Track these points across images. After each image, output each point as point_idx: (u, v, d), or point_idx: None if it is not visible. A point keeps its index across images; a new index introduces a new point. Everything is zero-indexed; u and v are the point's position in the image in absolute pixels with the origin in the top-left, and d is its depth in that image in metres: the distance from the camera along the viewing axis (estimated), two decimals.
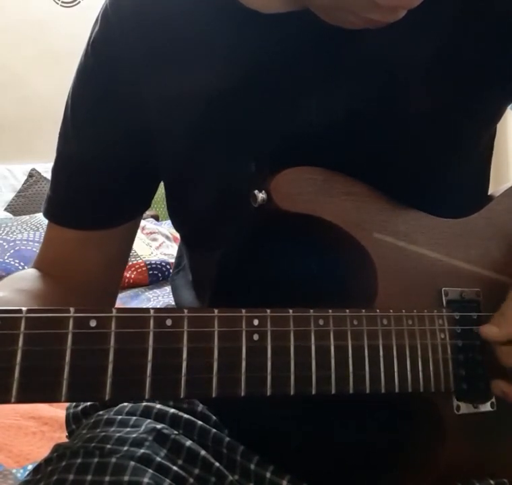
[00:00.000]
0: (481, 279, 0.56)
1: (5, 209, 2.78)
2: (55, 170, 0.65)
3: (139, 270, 2.15)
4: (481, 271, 0.56)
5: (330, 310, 0.45)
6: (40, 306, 0.55)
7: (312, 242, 0.52)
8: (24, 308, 0.35)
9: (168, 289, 2.07)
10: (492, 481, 0.55)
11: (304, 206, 0.50)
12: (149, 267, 2.17)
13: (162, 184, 0.66)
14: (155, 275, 2.18)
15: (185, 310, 0.40)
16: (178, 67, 0.56)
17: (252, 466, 0.58)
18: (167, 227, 2.56)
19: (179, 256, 0.75)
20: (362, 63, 0.53)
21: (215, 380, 0.40)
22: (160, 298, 2.01)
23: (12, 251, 2.12)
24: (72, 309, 0.37)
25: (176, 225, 0.67)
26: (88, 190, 0.63)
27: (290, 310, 0.44)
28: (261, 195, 0.49)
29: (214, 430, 0.60)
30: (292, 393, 0.43)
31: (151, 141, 0.60)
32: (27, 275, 0.63)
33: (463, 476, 0.53)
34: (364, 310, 0.47)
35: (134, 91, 0.58)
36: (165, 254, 2.30)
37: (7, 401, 0.34)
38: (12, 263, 2.05)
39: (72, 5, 3.10)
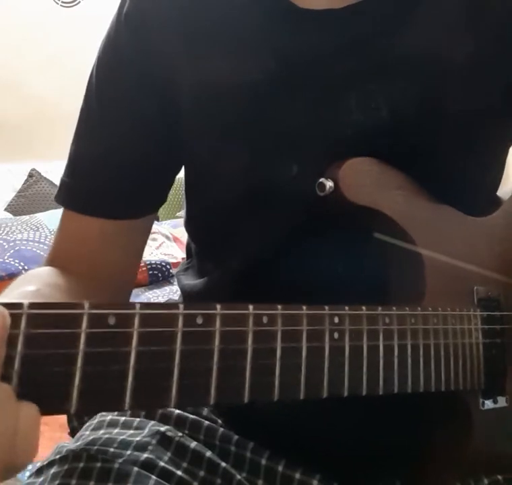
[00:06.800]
0: (502, 276, 0.56)
1: (5, 209, 2.78)
2: (75, 154, 0.60)
3: (139, 270, 2.14)
4: (503, 268, 0.57)
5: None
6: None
7: (361, 236, 0.51)
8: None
9: (168, 289, 2.07)
10: (499, 476, 0.56)
11: (367, 198, 0.49)
12: (149, 267, 2.17)
13: None
14: (155, 275, 2.18)
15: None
16: (215, 54, 0.55)
17: (263, 461, 0.57)
18: (167, 227, 2.55)
19: (188, 253, 0.73)
20: (402, 62, 0.53)
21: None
22: (160, 298, 2.00)
23: (12, 251, 2.11)
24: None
25: (195, 218, 0.65)
26: (114, 177, 0.59)
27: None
28: (329, 184, 0.48)
29: (222, 429, 0.60)
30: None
31: (179, 126, 0.57)
32: (51, 272, 0.58)
33: (476, 470, 0.55)
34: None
35: (167, 68, 0.56)
36: (165, 254, 2.29)
37: None
38: (12, 263, 2.05)
39: (72, 5, 3.10)
